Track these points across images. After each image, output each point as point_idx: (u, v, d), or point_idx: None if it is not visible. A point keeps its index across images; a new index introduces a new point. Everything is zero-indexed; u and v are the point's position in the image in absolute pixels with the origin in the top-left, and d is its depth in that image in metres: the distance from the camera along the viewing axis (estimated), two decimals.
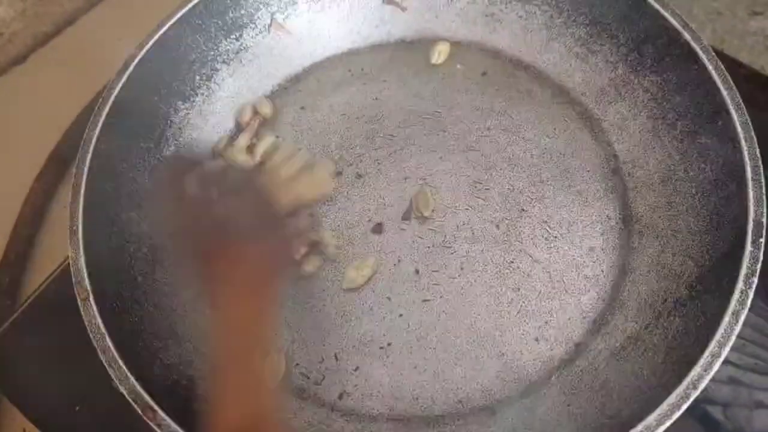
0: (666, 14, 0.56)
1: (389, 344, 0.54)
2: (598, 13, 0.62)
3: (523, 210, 0.59)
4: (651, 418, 0.42)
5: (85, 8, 0.88)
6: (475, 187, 0.60)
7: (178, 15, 0.59)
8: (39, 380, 0.57)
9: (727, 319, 0.45)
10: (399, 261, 0.57)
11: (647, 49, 0.59)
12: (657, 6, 0.57)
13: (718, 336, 0.44)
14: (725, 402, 0.54)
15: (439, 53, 0.67)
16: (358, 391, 0.53)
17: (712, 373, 0.43)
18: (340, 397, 0.53)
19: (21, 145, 0.74)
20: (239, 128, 0.65)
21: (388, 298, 0.56)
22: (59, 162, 0.73)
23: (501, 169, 0.61)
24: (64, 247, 0.61)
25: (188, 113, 0.63)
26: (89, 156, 0.53)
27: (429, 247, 0.58)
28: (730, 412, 0.53)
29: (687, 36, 0.55)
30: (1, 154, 0.74)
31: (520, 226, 0.58)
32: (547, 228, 0.58)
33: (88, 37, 0.85)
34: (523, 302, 0.55)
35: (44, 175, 0.72)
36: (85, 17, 0.87)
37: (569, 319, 0.54)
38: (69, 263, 0.52)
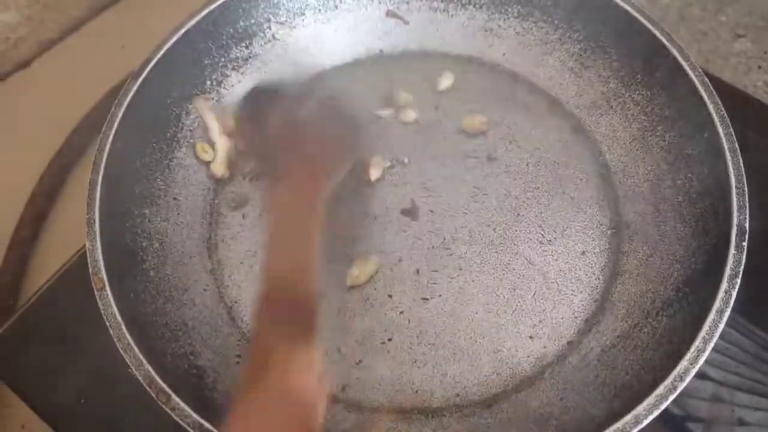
0: (656, 32, 0.59)
1: (390, 340, 0.56)
2: (592, 31, 0.65)
3: (518, 215, 0.62)
4: (640, 408, 0.44)
5: (89, 16, 0.90)
6: (474, 192, 0.63)
7: (193, 21, 0.61)
8: (45, 374, 0.58)
9: (712, 316, 0.47)
10: (400, 261, 0.60)
11: (638, 64, 0.62)
12: (648, 24, 0.60)
13: (703, 332, 0.47)
14: (708, 419, 0.56)
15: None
16: (360, 384, 0.55)
17: (697, 367, 0.46)
18: (343, 389, 0.55)
19: (24, 148, 0.76)
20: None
21: (389, 296, 0.58)
22: (61, 167, 0.75)
23: (498, 176, 0.64)
24: (64, 250, 0.62)
25: (199, 116, 0.64)
26: (106, 153, 0.55)
27: (429, 248, 0.60)
28: (713, 429, 0.55)
29: (675, 52, 0.58)
30: (4, 157, 0.75)
31: (516, 230, 0.61)
32: (542, 232, 0.61)
33: (92, 44, 0.87)
34: (519, 302, 0.58)
35: (46, 180, 0.74)
36: (89, 24, 0.90)
37: (562, 318, 0.57)
38: (72, 262, 0.52)
